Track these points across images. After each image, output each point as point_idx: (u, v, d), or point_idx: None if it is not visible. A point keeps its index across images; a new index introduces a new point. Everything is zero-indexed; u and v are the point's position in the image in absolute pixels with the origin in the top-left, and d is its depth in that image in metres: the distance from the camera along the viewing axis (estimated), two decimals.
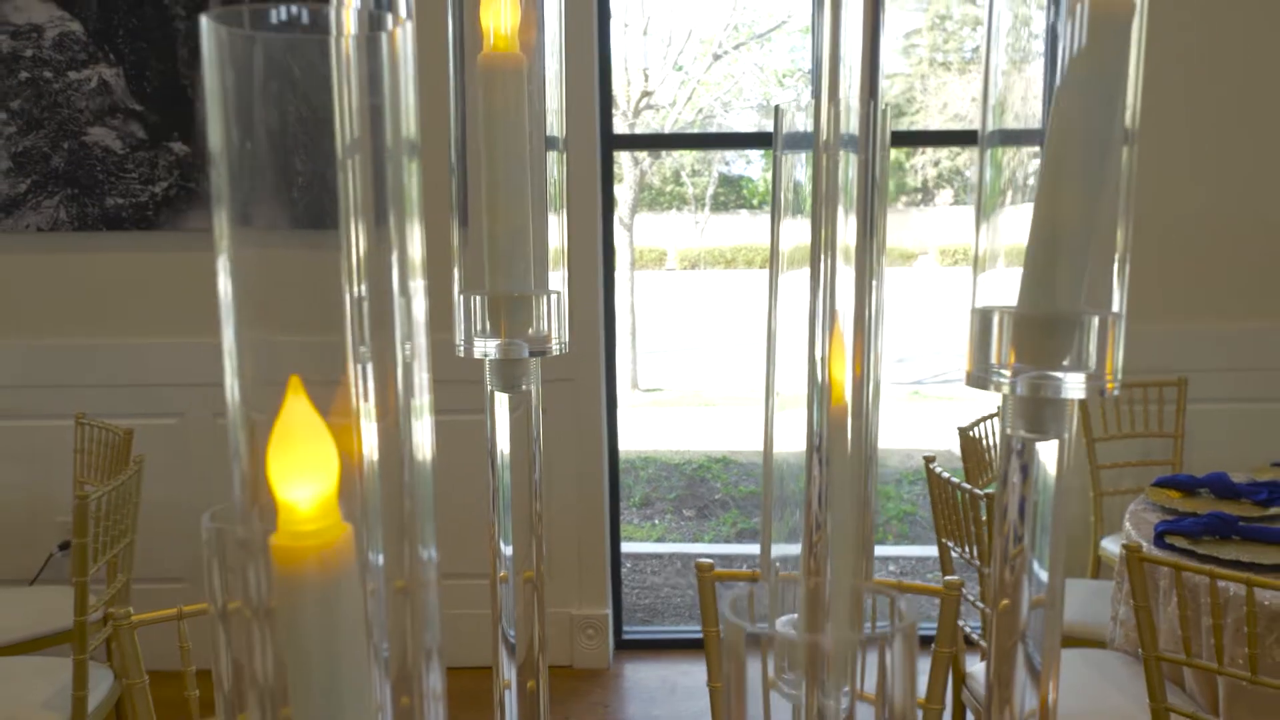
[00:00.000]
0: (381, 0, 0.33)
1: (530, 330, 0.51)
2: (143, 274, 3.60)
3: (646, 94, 12.73)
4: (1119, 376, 0.40)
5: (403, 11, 0.33)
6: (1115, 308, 0.40)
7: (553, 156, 0.53)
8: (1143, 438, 3.48)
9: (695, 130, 13.24)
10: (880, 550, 6.28)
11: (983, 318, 0.40)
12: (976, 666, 2.44)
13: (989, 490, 2.17)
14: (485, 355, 0.51)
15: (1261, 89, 3.52)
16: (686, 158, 15.96)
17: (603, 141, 3.64)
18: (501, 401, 0.51)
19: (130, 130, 3.52)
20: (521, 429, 0.52)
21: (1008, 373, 0.40)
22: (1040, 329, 0.39)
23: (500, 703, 0.62)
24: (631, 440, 8.47)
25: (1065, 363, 0.39)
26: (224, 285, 0.35)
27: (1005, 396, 0.40)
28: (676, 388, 11.51)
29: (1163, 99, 3.53)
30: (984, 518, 2.19)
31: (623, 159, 12.22)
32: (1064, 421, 0.40)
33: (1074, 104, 0.38)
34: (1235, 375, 3.57)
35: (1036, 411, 0.40)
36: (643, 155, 13.31)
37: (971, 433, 2.91)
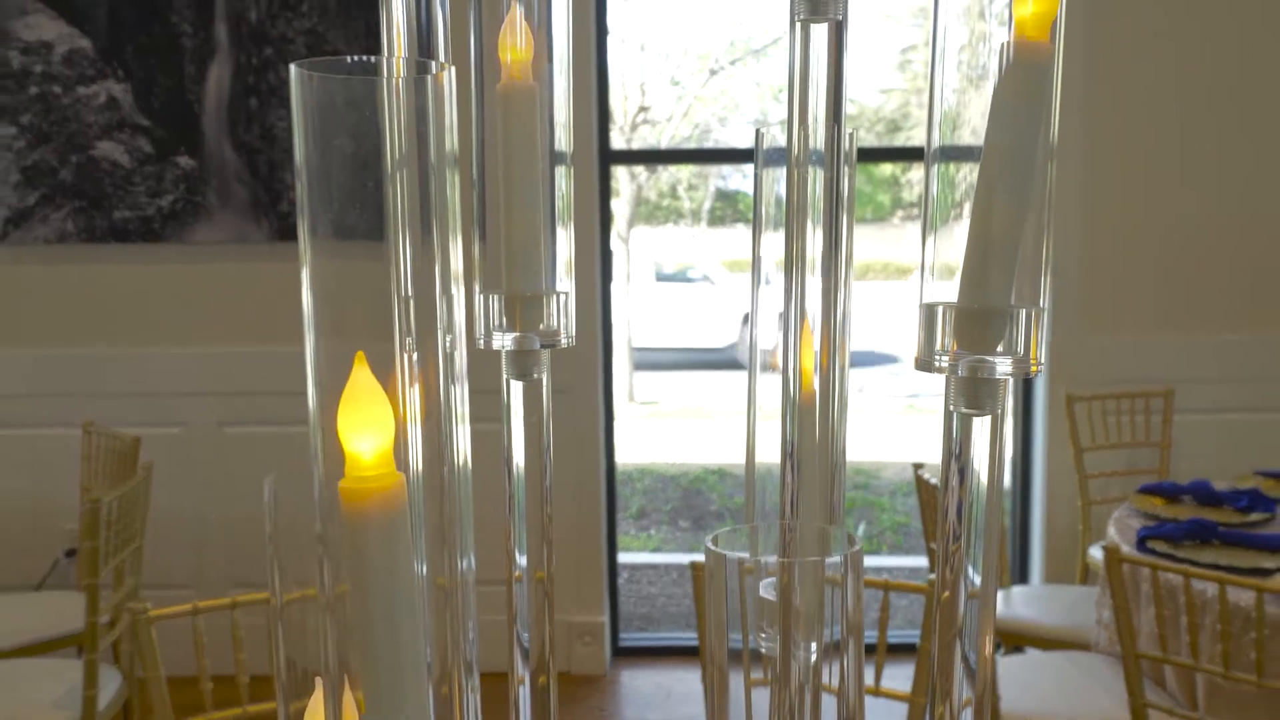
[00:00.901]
0: (427, 51, 0.40)
1: (541, 325, 0.58)
2: (148, 286, 3.67)
3: (643, 109, 12.82)
4: (1042, 361, 0.47)
5: (443, 57, 0.40)
6: (1040, 303, 0.47)
7: (560, 170, 0.61)
8: (1130, 447, 3.55)
9: (692, 145, 13.32)
10: (875, 560, 6.33)
11: (929, 311, 0.47)
12: None
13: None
14: (502, 347, 0.58)
15: (1247, 105, 3.60)
16: (683, 172, 16.05)
17: (600, 157, 3.72)
18: (516, 388, 0.58)
19: (137, 145, 3.60)
20: (534, 412, 0.59)
21: (949, 357, 0.47)
22: (977, 321, 0.46)
23: (515, 702, 0.68)
24: (628, 452, 8.52)
25: (998, 349, 0.46)
26: (306, 283, 0.42)
27: (948, 378, 0.47)
28: (673, 400, 11.57)
29: (1152, 116, 3.61)
30: None
31: (620, 173, 12.31)
32: (998, 399, 0.47)
33: (1003, 130, 0.45)
34: (1221, 386, 3.65)
35: (974, 391, 0.47)
36: (639, 169, 13.39)
37: None
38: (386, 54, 0.40)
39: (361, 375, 0.38)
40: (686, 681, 3.70)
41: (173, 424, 3.66)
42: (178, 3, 3.56)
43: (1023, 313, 0.46)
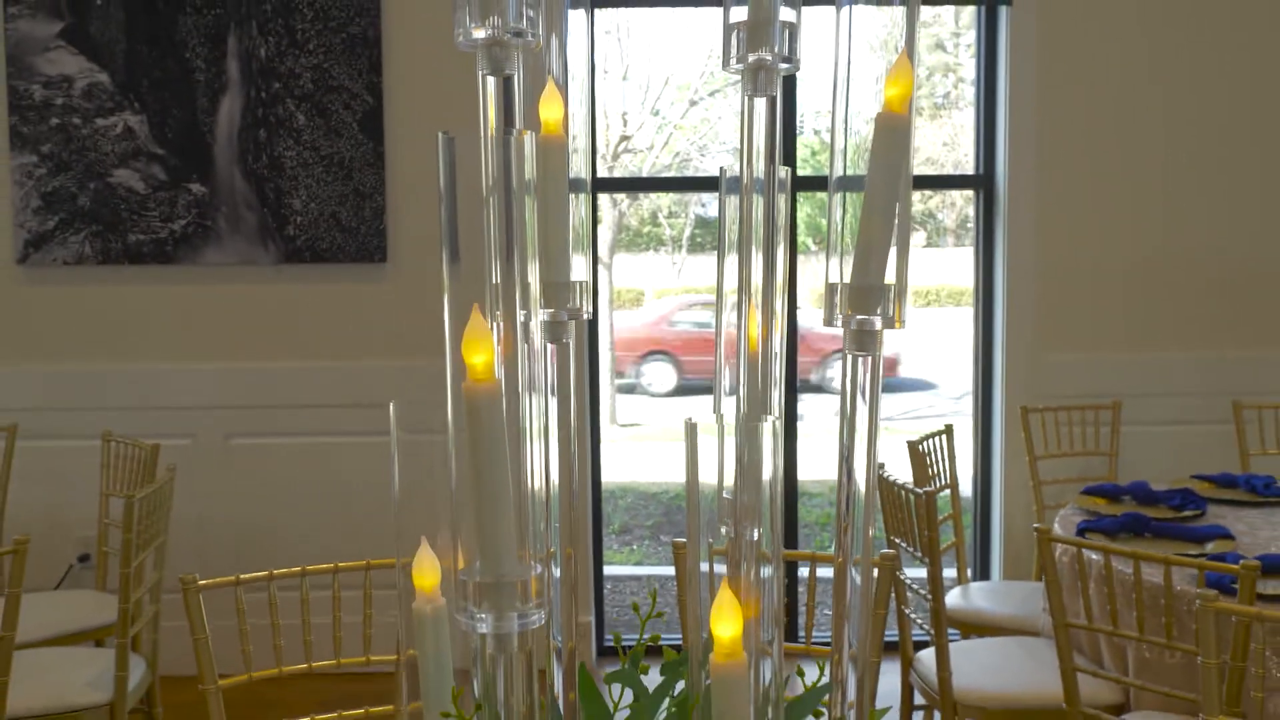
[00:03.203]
0: (510, 118, 0.64)
1: (569, 304, 0.83)
2: (161, 305, 3.89)
3: (625, 138, 13.11)
4: (904, 320, 0.71)
5: (519, 125, 0.64)
6: (900, 283, 0.71)
7: (581, 198, 0.85)
8: (1081, 456, 3.81)
9: (673, 173, 13.61)
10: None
11: (832, 288, 0.72)
12: (926, 652, 2.73)
13: (928, 490, 2.49)
14: (541, 319, 0.82)
15: (1187, 145, 3.90)
16: (664, 200, 16.34)
17: (590, 185, 3.97)
18: (550, 349, 0.82)
19: (152, 172, 3.83)
20: (564, 372, 0.83)
21: (844, 318, 0.71)
22: (862, 294, 0.71)
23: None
24: (610, 472, 8.73)
25: (876, 312, 0.71)
26: (446, 268, 0.65)
27: (845, 331, 0.72)
28: (654, 423, 11.79)
29: (1100, 156, 3.90)
30: (924, 514, 2.50)
31: (602, 201, 12.57)
32: (876, 345, 0.71)
33: (877, 169, 0.70)
34: (1164, 400, 3.92)
35: (861, 340, 0.71)
36: (621, 197, 13.66)
37: (920, 447, 3.23)
38: (482, 122, 0.63)
39: (476, 319, 0.62)
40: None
41: (183, 435, 3.87)
42: (192, 40, 3.80)
43: (891, 288, 0.71)
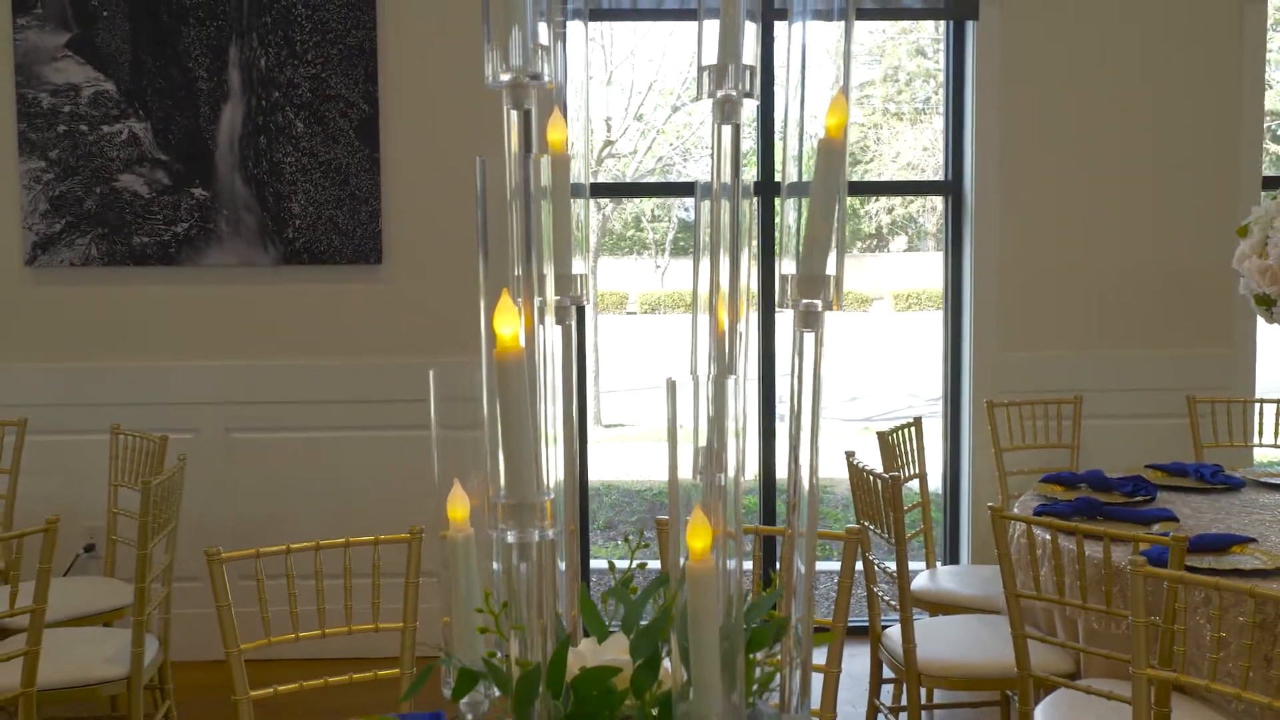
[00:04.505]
0: (530, 146, 0.82)
1: (571, 293, 1.01)
2: (164, 305, 4.05)
3: (609, 143, 13.29)
4: (841, 303, 0.89)
5: (536, 150, 0.82)
6: (837, 274, 0.89)
7: (579, 203, 1.03)
8: (1045, 448, 4.01)
9: (656, 178, 13.80)
10: (828, 566, 6.71)
11: (784, 278, 0.90)
12: (893, 628, 2.92)
13: (894, 474, 2.67)
14: (547, 304, 1.00)
15: (1144, 157, 4.12)
16: (647, 204, 16.54)
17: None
18: (555, 329, 1.00)
19: (156, 177, 3.99)
20: (566, 347, 1.01)
21: (793, 301, 0.90)
22: (808, 281, 0.89)
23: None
24: (595, 471, 8.91)
25: (819, 297, 0.89)
26: (482, 269, 0.83)
27: (794, 312, 0.90)
28: (639, 424, 11.97)
29: (1062, 168, 4.12)
30: (890, 498, 2.69)
31: (588, 204, 12.74)
32: (819, 324, 0.89)
33: (819, 182, 0.88)
34: (1122, 395, 4.14)
35: (807, 318, 0.89)
36: (605, 201, 13.84)
37: (890, 439, 3.42)
38: (506, 146, 0.81)
39: (505, 300, 0.79)
40: None
41: (185, 430, 4.02)
42: (194, 51, 3.97)
43: (831, 278, 0.89)
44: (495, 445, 0.81)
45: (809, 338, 0.89)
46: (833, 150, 0.87)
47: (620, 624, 0.94)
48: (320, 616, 2.08)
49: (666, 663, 0.86)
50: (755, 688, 0.87)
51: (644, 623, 0.87)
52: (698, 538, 0.80)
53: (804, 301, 0.89)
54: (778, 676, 0.91)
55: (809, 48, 0.93)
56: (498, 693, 0.85)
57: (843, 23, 0.94)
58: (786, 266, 0.90)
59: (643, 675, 0.82)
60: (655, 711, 0.83)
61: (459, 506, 0.90)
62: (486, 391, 0.80)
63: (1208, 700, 2.33)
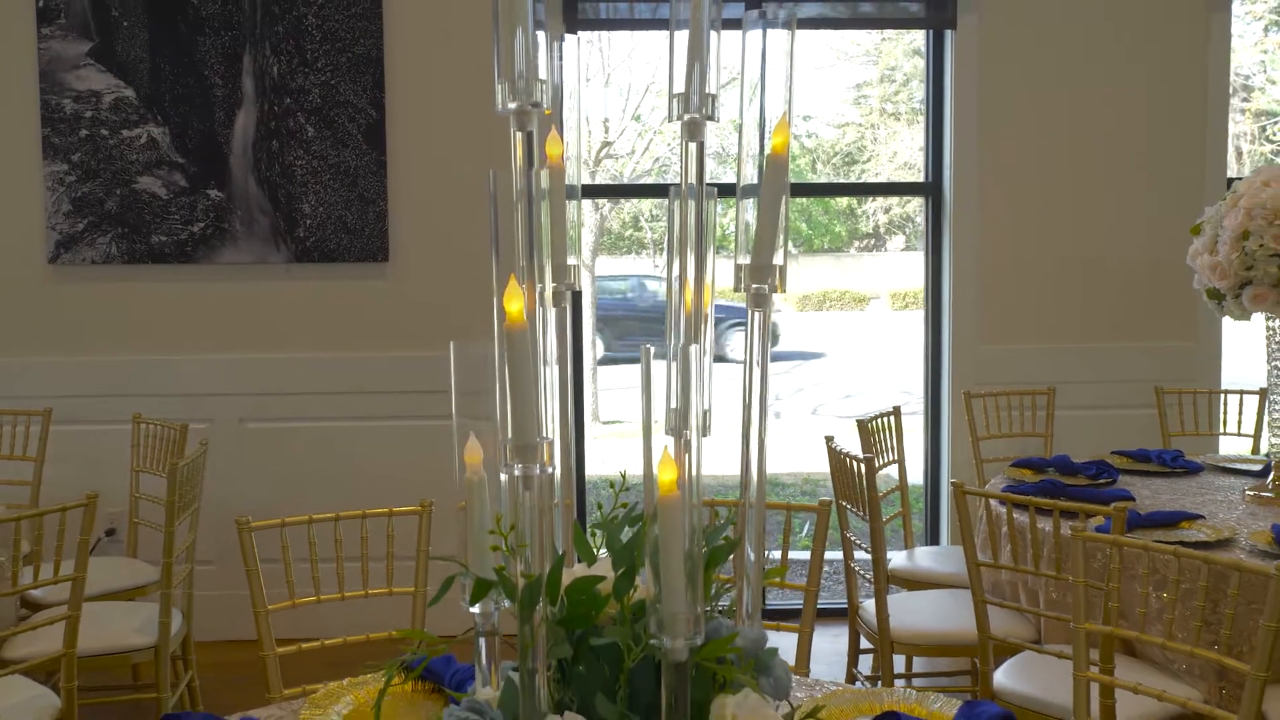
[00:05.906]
0: (532, 161, 1.03)
1: (567, 280, 1.21)
2: (181, 301, 4.25)
3: (607, 144, 13.49)
4: (786, 288, 1.10)
5: (537, 164, 1.02)
6: (782, 263, 1.10)
7: (572, 204, 1.23)
8: (1020, 437, 4.21)
9: (653, 178, 13.99)
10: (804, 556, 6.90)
11: (739, 267, 1.11)
12: (869, 601, 3.12)
13: (868, 455, 2.88)
14: (550, 289, 1.21)
15: (1117, 159, 4.33)
16: (645, 204, 16.74)
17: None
18: (552, 312, 1.21)
19: (174, 179, 4.19)
20: (560, 327, 1.22)
21: (745, 286, 1.10)
22: (758, 269, 1.09)
23: None
24: (593, 466, 9.09)
25: (767, 282, 1.09)
26: (495, 262, 1.03)
27: (747, 295, 1.10)
28: (636, 420, 12.17)
29: (1039, 168, 4.33)
30: (866, 478, 2.89)
31: (584, 205, 12.94)
32: (768, 304, 1.10)
33: (767, 188, 1.09)
34: (1094, 387, 4.35)
35: (758, 299, 1.10)
36: (603, 201, 14.03)
37: (869, 426, 3.63)
38: (513, 161, 1.01)
39: (513, 284, 1.00)
40: None
41: (201, 420, 4.22)
42: (210, 59, 4.17)
43: (776, 266, 1.10)
44: (505, 401, 1.01)
45: (758, 315, 1.10)
46: (778, 164, 1.08)
47: (605, 546, 1.15)
48: (339, 579, 2.28)
49: (641, 580, 1.06)
50: (713, 593, 1.07)
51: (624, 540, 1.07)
52: (666, 471, 1.00)
53: (754, 286, 1.09)
54: (735, 594, 1.12)
55: (767, 68, 1.13)
56: (507, 603, 1.05)
57: (788, 49, 1.14)
58: (741, 258, 1.11)
59: (622, 582, 1.02)
60: (632, 614, 1.03)
61: (474, 454, 1.10)
62: (497, 358, 1.01)
63: (1153, 661, 2.53)
